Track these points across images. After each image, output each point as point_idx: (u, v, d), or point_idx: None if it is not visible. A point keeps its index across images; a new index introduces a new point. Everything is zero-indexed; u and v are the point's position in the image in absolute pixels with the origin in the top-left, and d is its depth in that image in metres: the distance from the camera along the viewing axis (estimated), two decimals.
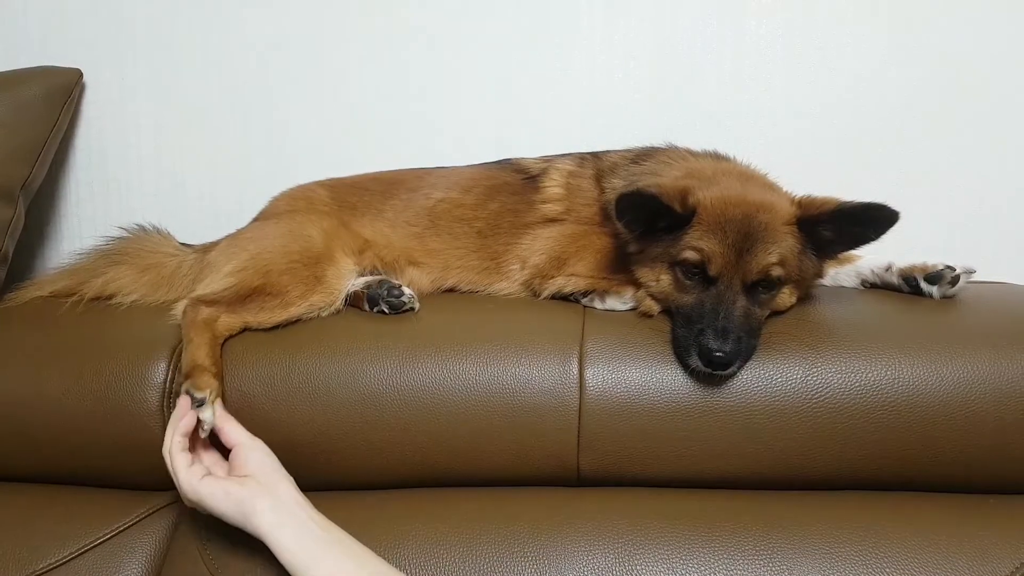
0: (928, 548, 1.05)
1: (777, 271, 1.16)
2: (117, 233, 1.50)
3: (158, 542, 1.21)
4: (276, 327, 1.26)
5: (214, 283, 1.31)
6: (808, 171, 1.42)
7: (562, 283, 1.33)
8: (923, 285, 1.26)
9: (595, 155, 1.46)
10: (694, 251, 1.17)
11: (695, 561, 1.07)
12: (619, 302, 1.28)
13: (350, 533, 1.04)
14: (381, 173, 1.56)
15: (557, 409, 1.15)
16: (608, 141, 1.50)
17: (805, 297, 1.25)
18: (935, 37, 1.54)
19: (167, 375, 1.21)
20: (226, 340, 1.23)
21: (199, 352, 1.17)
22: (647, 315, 1.25)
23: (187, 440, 1.10)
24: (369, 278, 1.36)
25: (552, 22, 1.61)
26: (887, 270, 1.31)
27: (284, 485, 1.06)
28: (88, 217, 1.76)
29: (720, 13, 1.57)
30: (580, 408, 1.15)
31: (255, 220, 1.51)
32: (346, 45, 1.66)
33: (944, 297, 1.25)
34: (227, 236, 1.46)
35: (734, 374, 1.13)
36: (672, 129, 1.50)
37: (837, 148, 1.60)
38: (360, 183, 1.53)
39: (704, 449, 1.14)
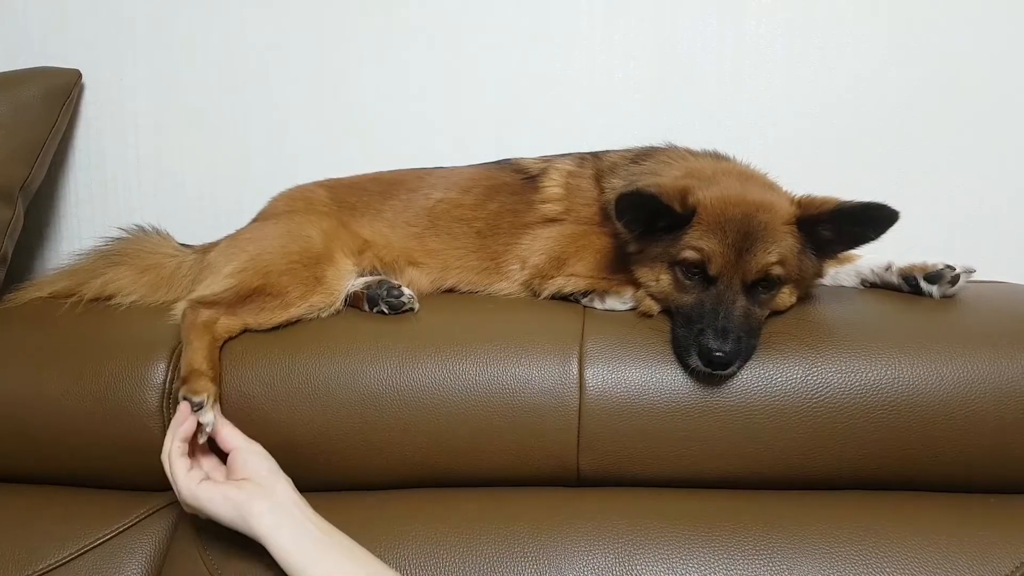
0: (928, 548, 1.05)
1: (777, 270, 1.16)
2: (116, 234, 1.50)
3: (158, 543, 1.21)
4: (276, 328, 1.26)
5: (213, 285, 1.30)
6: (808, 171, 1.42)
7: (562, 283, 1.33)
8: (923, 285, 1.26)
9: (595, 155, 1.45)
10: (694, 251, 1.16)
11: (695, 561, 1.07)
12: (619, 302, 1.28)
13: (350, 533, 1.04)
14: (380, 173, 1.56)
15: (557, 409, 1.15)
16: (608, 141, 1.50)
17: (805, 297, 1.25)
18: (935, 37, 1.54)
19: (166, 376, 1.22)
20: (226, 342, 1.23)
21: (197, 356, 1.17)
22: (647, 315, 1.25)
23: (186, 445, 1.10)
24: (369, 278, 1.36)
25: (552, 22, 1.61)
26: (887, 270, 1.31)
27: (282, 486, 1.06)
28: (87, 218, 1.76)
29: (720, 13, 1.57)
30: (580, 408, 1.15)
31: (254, 221, 1.51)
32: (346, 45, 1.66)
33: (944, 296, 1.25)
34: (226, 237, 1.46)
35: (734, 374, 1.13)
36: (672, 129, 1.50)
37: (837, 148, 1.60)
38: (359, 183, 1.53)
39: (704, 449, 1.13)
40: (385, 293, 1.29)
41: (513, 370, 1.17)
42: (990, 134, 1.56)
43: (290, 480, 1.08)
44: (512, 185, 1.46)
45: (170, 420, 1.18)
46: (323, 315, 1.29)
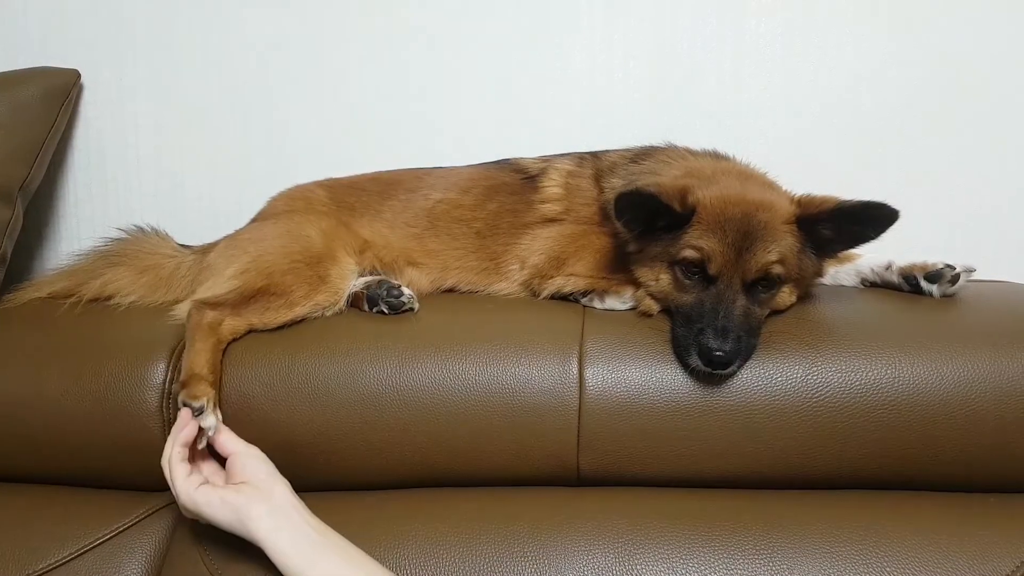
0: (928, 547, 1.05)
1: (777, 269, 1.16)
2: (115, 234, 1.50)
3: (158, 543, 1.21)
4: (281, 328, 1.26)
5: (217, 286, 1.30)
6: (808, 171, 1.42)
7: (561, 283, 1.33)
8: (923, 284, 1.26)
9: (594, 155, 1.45)
10: (694, 250, 1.16)
11: (695, 561, 1.06)
12: (618, 302, 1.28)
13: (350, 533, 1.04)
14: (379, 173, 1.56)
15: (557, 409, 1.15)
16: (608, 141, 1.50)
17: (805, 296, 1.25)
18: (935, 37, 1.54)
19: (166, 376, 1.21)
20: (230, 343, 1.23)
21: (199, 359, 1.17)
22: (647, 314, 1.25)
23: (187, 450, 1.10)
24: (368, 278, 1.36)
25: (552, 22, 1.61)
26: (887, 269, 1.31)
27: (280, 489, 1.06)
28: (87, 218, 1.76)
29: (720, 13, 1.57)
30: (580, 408, 1.15)
31: (253, 221, 1.50)
32: (346, 45, 1.66)
33: (944, 296, 1.25)
34: (225, 237, 1.46)
35: (734, 373, 1.13)
36: (672, 129, 1.50)
37: (837, 148, 1.60)
38: (358, 183, 1.53)
39: (704, 448, 1.13)
40: (385, 293, 1.29)
41: (513, 370, 1.16)
42: (990, 134, 1.56)
43: (288, 483, 1.08)
44: (511, 185, 1.46)
45: (170, 420, 1.18)
46: (327, 314, 1.29)
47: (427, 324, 1.26)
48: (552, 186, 1.42)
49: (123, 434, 1.21)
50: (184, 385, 1.14)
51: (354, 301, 1.33)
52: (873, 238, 1.16)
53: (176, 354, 1.23)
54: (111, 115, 1.71)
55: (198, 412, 1.11)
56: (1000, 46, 1.54)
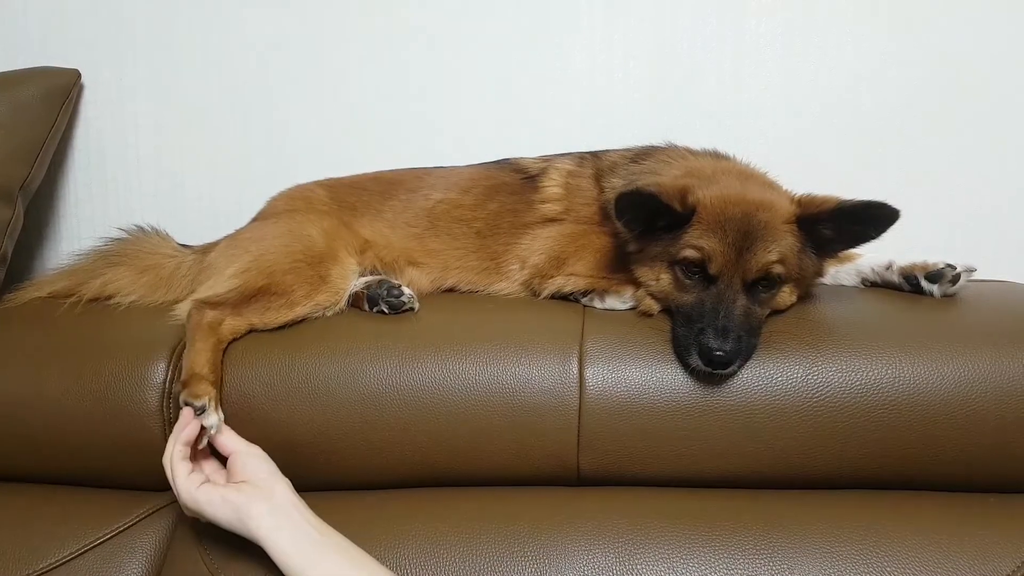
0: (929, 547, 1.05)
1: (777, 269, 1.16)
2: (116, 234, 1.50)
3: (158, 542, 1.21)
4: (281, 327, 1.26)
5: (217, 285, 1.30)
6: (808, 170, 1.42)
7: (562, 283, 1.33)
8: (924, 284, 1.26)
9: (594, 154, 1.45)
10: (694, 250, 1.16)
11: (695, 560, 1.07)
12: (619, 301, 1.28)
13: (350, 533, 1.04)
14: (380, 173, 1.56)
15: (557, 409, 1.15)
16: (608, 141, 1.50)
17: (805, 296, 1.25)
18: (935, 37, 1.54)
19: (166, 375, 1.21)
20: (230, 343, 1.23)
21: (199, 358, 1.17)
22: (647, 314, 1.25)
23: (188, 449, 1.10)
24: (369, 278, 1.36)
25: (552, 22, 1.61)
26: (888, 268, 1.31)
27: (280, 488, 1.06)
28: (87, 218, 1.76)
29: (720, 13, 1.57)
30: (580, 408, 1.15)
31: (253, 221, 1.50)
32: (346, 45, 1.66)
33: (945, 296, 1.25)
34: (226, 237, 1.46)
35: (734, 373, 1.13)
36: (672, 129, 1.50)
37: (837, 148, 1.60)
38: (359, 183, 1.53)
39: (704, 448, 1.13)
40: (385, 293, 1.29)
41: (513, 370, 1.16)
42: (990, 134, 1.56)
43: (289, 482, 1.08)
44: (512, 185, 1.46)
45: (170, 420, 1.18)
46: (328, 313, 1.29)
47: (427, 324, 1.26)
48: (552, 186, 1.42)
49: (123, 434, 1.21)
50: (185, 384, 1.14)
51: (354, 301, 1.33)
52: (874, 238, 1.16)
53: (176, 354, 1.23)
54: (111, 115, 1.71)
55: (200, 411, 1.11)
56: (1000, 46, 1.54)
